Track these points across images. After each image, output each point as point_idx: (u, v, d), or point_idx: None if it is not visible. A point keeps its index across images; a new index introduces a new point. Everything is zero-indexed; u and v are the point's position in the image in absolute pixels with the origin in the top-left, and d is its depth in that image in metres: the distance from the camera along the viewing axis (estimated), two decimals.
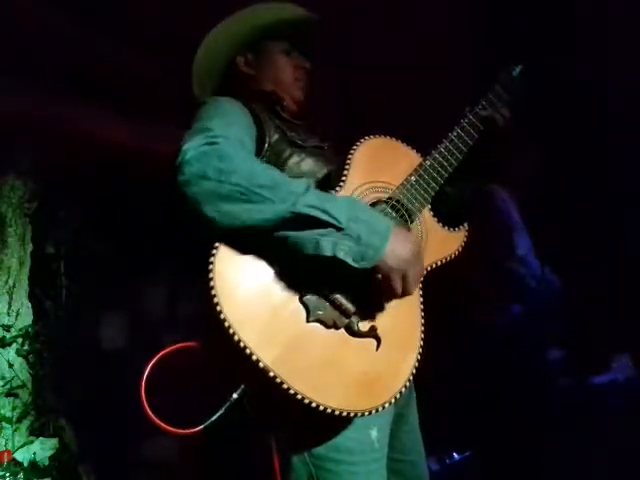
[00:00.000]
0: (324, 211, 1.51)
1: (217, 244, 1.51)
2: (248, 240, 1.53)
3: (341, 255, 1.50)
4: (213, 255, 1.49)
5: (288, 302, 1.54)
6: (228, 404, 1.48)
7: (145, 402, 1.46)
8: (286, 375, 1.44)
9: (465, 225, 1.96)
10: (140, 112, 3.75)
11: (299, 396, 1.44)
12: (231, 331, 1.41)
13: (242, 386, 1.49)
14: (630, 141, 3.66)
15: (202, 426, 1.47)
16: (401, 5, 3.66)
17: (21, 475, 3.22)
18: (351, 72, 4.03)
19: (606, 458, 3.15)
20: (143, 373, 1.51)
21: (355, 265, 1.52)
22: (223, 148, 1.56)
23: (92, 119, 3.79)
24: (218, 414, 1.47)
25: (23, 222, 3.73)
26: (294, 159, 1.86)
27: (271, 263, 1.55)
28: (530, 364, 3.36)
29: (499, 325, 3.50)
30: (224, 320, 1.42)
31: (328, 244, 1.50)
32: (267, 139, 1.85)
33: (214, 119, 1.73)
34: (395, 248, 1.56)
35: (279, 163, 1.81)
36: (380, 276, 1.57)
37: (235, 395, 1.48)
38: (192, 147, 1.55)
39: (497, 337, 3.45)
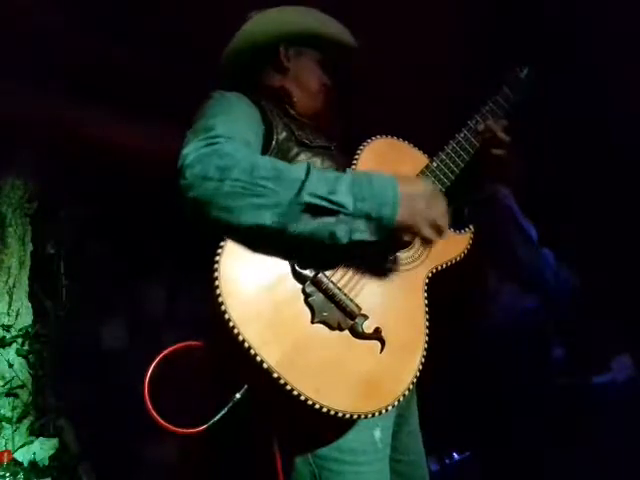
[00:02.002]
0: (330, 200, 1.50)
1: (223, 243, 1.50)
2: (255, 238, 1.52)
3: (357, 237, 1.51)
4: (218, 254, 1.48)
5: (293, 303, 1.53)
6: (231, 404, 1.47)
7: (148, 401, 1.45)
8: (290, 376, 1.43)
9: (471, 227, 1.95)
10: (140, 112, 3.73)
11: (302, 397, 1.43)
12: (235, 331, 1.41)
13: (245, 386, 1.49)
14: (630, 139, 3.66)
15: (205, 426, 1.46)
16: (401, 5, 3.64)
17: (21, 475, 3.22)
18: (351, 72, 4.01)
19: (606, 458, 3.13)
20: (146, 372, 1.50)
21: (374, 238, 1.53)
22: (223, 147, 1.55)
23: (92, 119, 3.77)
24: (221, 414, 1.47)
25: (23, 222, 3.73)
26: (301, 158, 1.84)
27: (277, 263, 1.55)
28: (533, 363, 3.35)
29: (504, 322, 3.49)
30: (228, 320, 1.41)
31: (342, 232, 1.50)
32: (275, 137, 1.83)
33: (218, 116, 1.72)
34: (408, 204, 1.56)
35: (286, 161, 1.79)
36: (410, 236, 1.60)
37: (238, 395, 1.48)
38: (192, 150, 1.54)
39: (501, 336, 3.44)
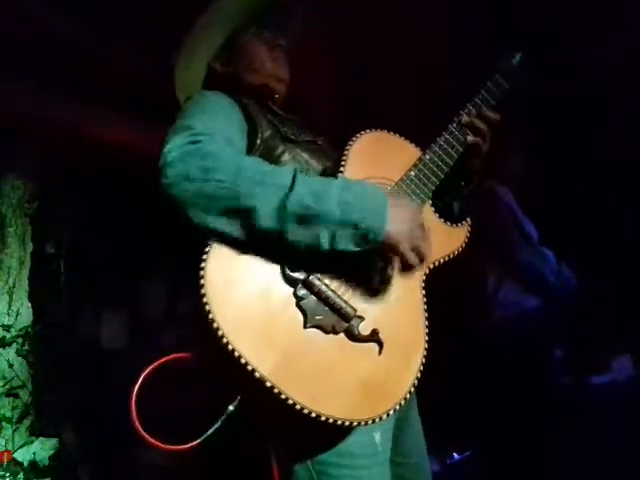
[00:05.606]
0: (317, 205, 1.40)
1: (209, 247, 1.41)
2: (242, 242, 1.42)
3: (341, 246, 1.41)
4: (204, 260, 1.38)
5: (285, 307, 1.43)
6: (224, 417, 1.38)
7: (136, 419, 1.35)
8: (284, 385, 1.34)
9: (468, 220, 1.87)
10: (140, 112, 3.68)
11: (298, 406, 1.34)
12: (224, 340, 1.31)
13: (239, 397, 1.39)
14: (630, 138, 3.61)
15: (197, 441, 1.36)
16: (401, 4, 3.59)
17: (21, 475, 3.25)
18: (351, 70, 3.98)
19: (606, 458, 3.09)
20: (132, 389, 1.41)
21: (359, 250, 1.43)
22: (206, 146, 1.47)
23: (92, 119, 3.76)
24: (214, 428, 1.37)
25: (23, 222, 3.75)
26: (287, 155, 1.76)
27: (266, 266, 1.45)
28: (533, 363, 3.29)
29: (503, 322, 3.43)
30: (217, 329, 1.31)
31: (326, 238, 1.40)
32: (259, 134, 1.75)
33: (198, 116, 1.63)
34: (396, 221, 1.46)
35: (272, 159, 1.70)
36: (391, 254, 1.50)
37: (231, 407, 1.38)
38: (174, 148, 1.46)
39: (501, 335, 3.38)
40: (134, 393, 1.38)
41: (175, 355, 1.46)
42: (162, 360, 1.44)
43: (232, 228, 1.40)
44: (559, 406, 3.27)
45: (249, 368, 1.31)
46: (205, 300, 1.33)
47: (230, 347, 1.31)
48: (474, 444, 3.49)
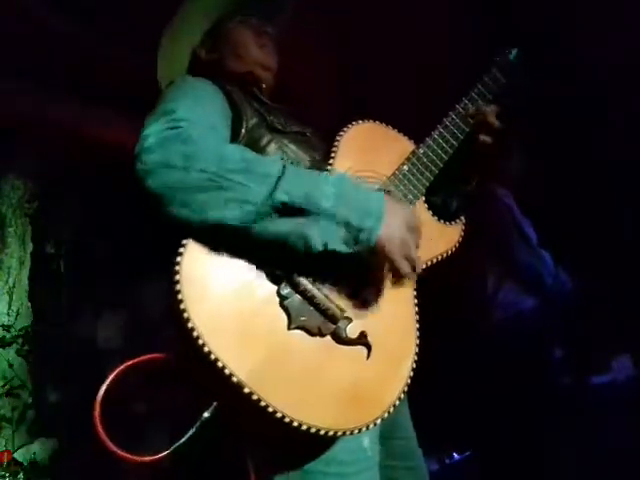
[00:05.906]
0: (307, 199, 1.31)
1: (185, 241, 1.31)
2: (222, 236, 1.32)
3: (332, 246, 1.32)
4: (180, 254, 1.29)
5: (267, 307, 1.33)
6: (198, 424, 1.27)
7: (100, 427, 1.29)
8: (264, 391, 1.24)
9: (462, 218, 1.79)
10: (140, 112, 3.65)
11: (278, 414, 1.24)
12: (200, 342, 1.21)
13: (214, 403, 1.29)
14: (630, 139, 3.58)
15: (167, 451, 1.26)
16: (401, 4, 3.55)
17: (21, 475, 3.22)
18: (351, 70, 3.94)
19: (606, 458, 3.05)
20: (98, 393, 1.34)
21: (349, 250, 1.33)
22: (187, 131, 1.36)
23: (92, 119, 3.72)
24: (186, 437, 1.27)
25: (23, 222, 3.73)
26: (274, 146, 1.65)
27: (247, 263, 1.35)
28: (533, 363, 3.25)
29: (503, 322, 3.39)
30: (192, 329, 1.22)
31: (317, 237, 1.30)
32: (244, 123, 1.64)
33: (180, 100, 1.53)
34: (392, 225, 1.38)
35: (257, 149, 1.58)
36: (382, 258, 1.39)
37: (206, 414, 1.28)
38: (153, 133, 1.37)
39: (501, 335, 3.34)
40: (98, 401, 1.32)
41: (148, 356, 1.39)
42: (129, 363, 1.38)
43: (212, 221, 1.30)
44: (559, 406, 3.22)
45: (226, 372, 1.22)
46: (180, 297, 1.24)
47: (206, 349, 1.22)
48: (474, 444, 3.45)
